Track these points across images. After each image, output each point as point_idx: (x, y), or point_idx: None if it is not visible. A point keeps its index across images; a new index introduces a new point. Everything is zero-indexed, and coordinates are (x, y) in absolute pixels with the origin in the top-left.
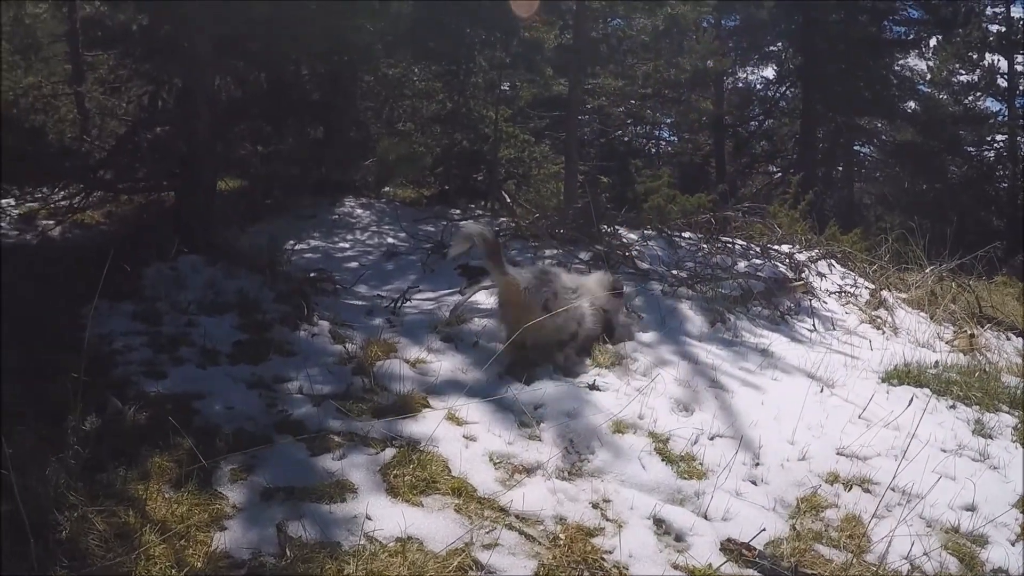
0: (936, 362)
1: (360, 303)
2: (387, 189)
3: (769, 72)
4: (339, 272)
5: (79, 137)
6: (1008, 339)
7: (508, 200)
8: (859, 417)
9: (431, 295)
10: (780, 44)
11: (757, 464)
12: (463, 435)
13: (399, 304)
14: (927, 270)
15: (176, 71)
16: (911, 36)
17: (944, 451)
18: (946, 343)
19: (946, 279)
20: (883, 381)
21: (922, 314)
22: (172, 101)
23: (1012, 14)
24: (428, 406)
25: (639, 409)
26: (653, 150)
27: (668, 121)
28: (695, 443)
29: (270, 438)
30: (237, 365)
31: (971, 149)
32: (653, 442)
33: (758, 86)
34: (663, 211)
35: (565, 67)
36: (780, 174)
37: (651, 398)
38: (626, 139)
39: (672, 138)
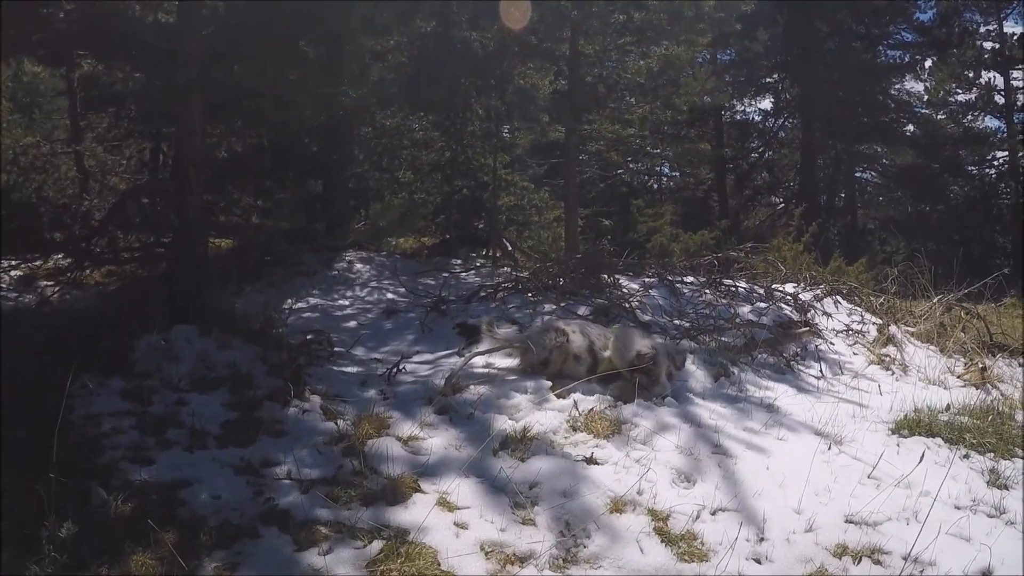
0: (948, 405)
1: (355, 370)
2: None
3: (767, 104)
4: (337, 332)
5: (78, 195)
6: (1021, 366)
7: (509, 247)
8: (869, 477)
9: (429, 357)
10: (776, 75)
11: (762, 539)
12: (454, 522)
13: (393, 373)
14: (934, 299)
15: (168, 135)
16: (906, 59)
17: (958, 508)
18: (957, 377)
19: (954, 308)
20: (893, 432)
21: (932, 347)
22: (164, 168)
23: (1005, 30)
24: (419, 490)
25: (638, 483)
26: (655, 186)
27: (668, 155)
28: (696, 519)
29: (256, 530)
30: (225, 448)
31: (972, 169)
32: (652, 520)
33: (756, 118)
34: (666, 250)
35: (560, 113)
36: (783, 205)
37: (651, 469)
38: (627, 178)
39: (673, 173)
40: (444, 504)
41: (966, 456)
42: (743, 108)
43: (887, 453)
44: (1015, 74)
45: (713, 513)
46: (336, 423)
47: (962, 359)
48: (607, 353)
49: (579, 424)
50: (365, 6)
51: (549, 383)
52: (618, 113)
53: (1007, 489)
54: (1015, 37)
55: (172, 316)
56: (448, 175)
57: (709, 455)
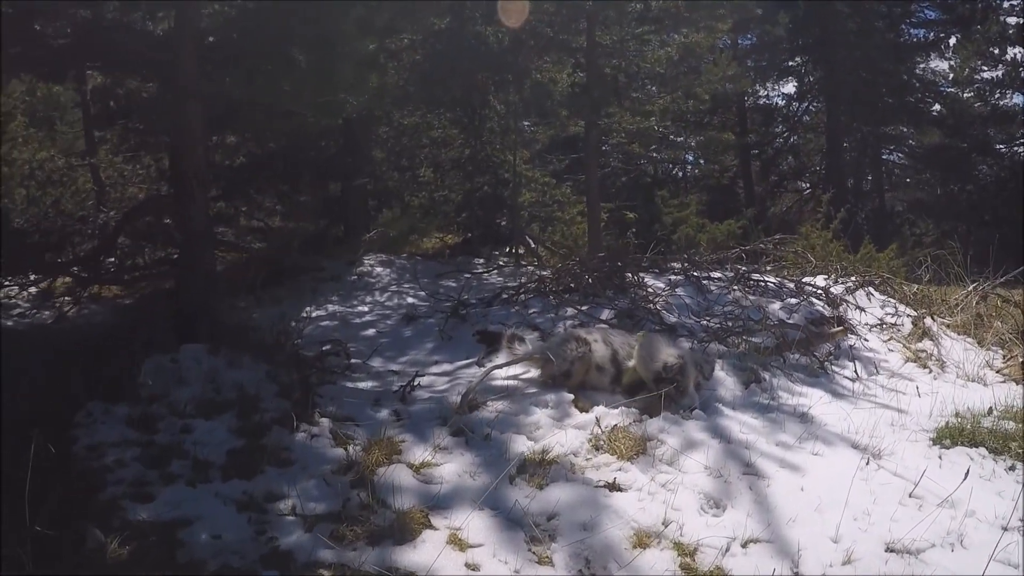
0: (990, 408)
1: (369, 386)
2: (414, 236)
3: (790, 88)
4: (355, 341)
5: (96, 207)
6: None
7: (532, 244)
8: (910, 496)
9: (448, 367)
10: (799, 59)
11: (796, 575)
12: (465, 563)
13: (408, 389)
14: (969, 287)
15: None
16: (930, 37)
17: (1006, 529)
18: (996, 372)
19: (990, 296)
20: (935, 443)
21: (968, 339)
22: (167, 185)
23: None
24: (429, 525)
25: (664, 512)
26: (679, 175)
27: (692, 144)
28: (726, 553)
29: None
30: (229, 481)
31: (1001, 147)
32: (679, 555)
33: (780, 103)
34: (692, 242)
35: (579, 107)
36: (809, 190)
37: (678, 495)
38: (650, 168)
39: (699, 161)
40: (455, 542)
41: (1011, 468)
42: (766, 93)
43: (929, 468)
44: None
45: (744, 545)
46: (346, 449)
47: (1000, 351)
48: (632, 363)
49: (602, 443)
50: (362, 7)
51: (571, 396)
52: (638, 104)
53: None
54: None
55: (181, 334)
56: (468, 172)
57: (740, 476)
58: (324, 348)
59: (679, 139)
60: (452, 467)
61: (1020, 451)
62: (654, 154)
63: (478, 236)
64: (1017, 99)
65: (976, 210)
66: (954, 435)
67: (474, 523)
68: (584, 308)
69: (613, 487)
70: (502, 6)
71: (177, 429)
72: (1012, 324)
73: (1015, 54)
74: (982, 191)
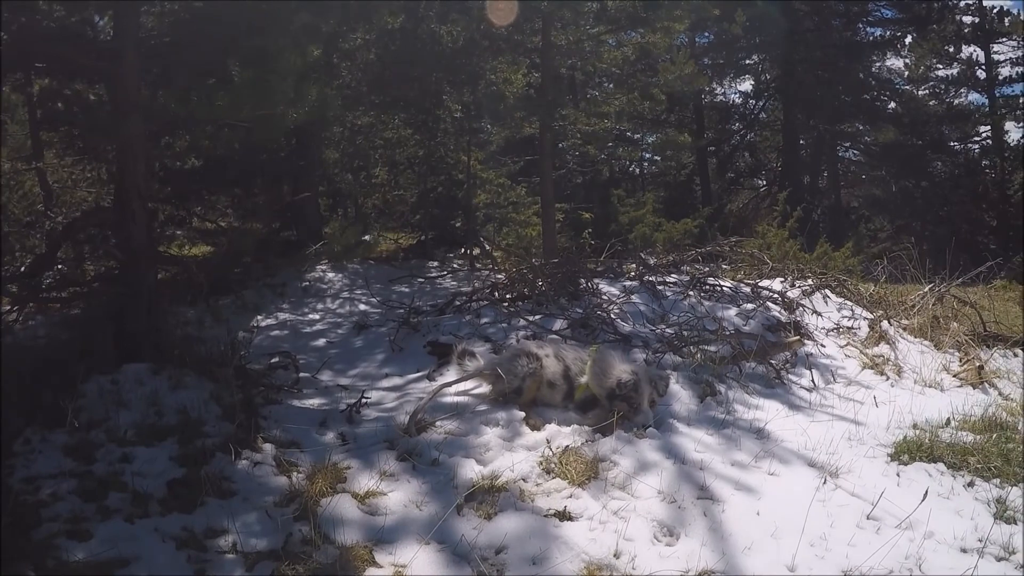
0: (948, 420)
1: (317, 404)
2: (367, 239)
3: (747, 86)
4: (304, 352)
5: (43, 212)
6: (1015, 355)
7: (487, 246)
8: (868, 518)
9: (398, 381)
10: (756, 57)
11: None
12: None
13: (356, 409)
14: (926, 288)
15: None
16: (886, 36)
17: (964, 551)
18: (953, 376)
19: (946, 296)
20: (892, 459)
21: (925, 342)
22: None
23: (984, 3)
24: (373, 562)
25: (615, 542)
26: (636, 171)
27: (649, 141)
28: None
29: None
30: (168, 515)
31: (955, 145)
32: None
33: (737, 100)
34: (648, 241)
35: (533, 108)
36: (765, 187)
37: (630, 523)
38: (606, 168)
39: (655, 158)
40: None
41: (970, 484)
42: (723, 91)
43: (887, 487)
44: (995, 47)
45: None
46: (290, 477)
47: (957, 354)
48: (584, 379)
49: (553, 466)
50: (307, 13)
51: (522, 414)
52: (594, 106)
53: (1015, 523)
54: (994, 10)
55: (123, 351)
56: (422, 173)
57: (694, 501)
58: (273, 361)
59: (636, 136)
60: (398, 496)
61: (978, 466)
62: (606, 155)
63: (432, 238)
64: (972, 97)
65: (930, 206)
66: (912, 450)
67: (420, 559)
68: (536, 319)
69: (564, 516)
70: (490, 6)
71: (116, 458)
72: (968, 326)
73: (970, 53)
74: (936, 188)
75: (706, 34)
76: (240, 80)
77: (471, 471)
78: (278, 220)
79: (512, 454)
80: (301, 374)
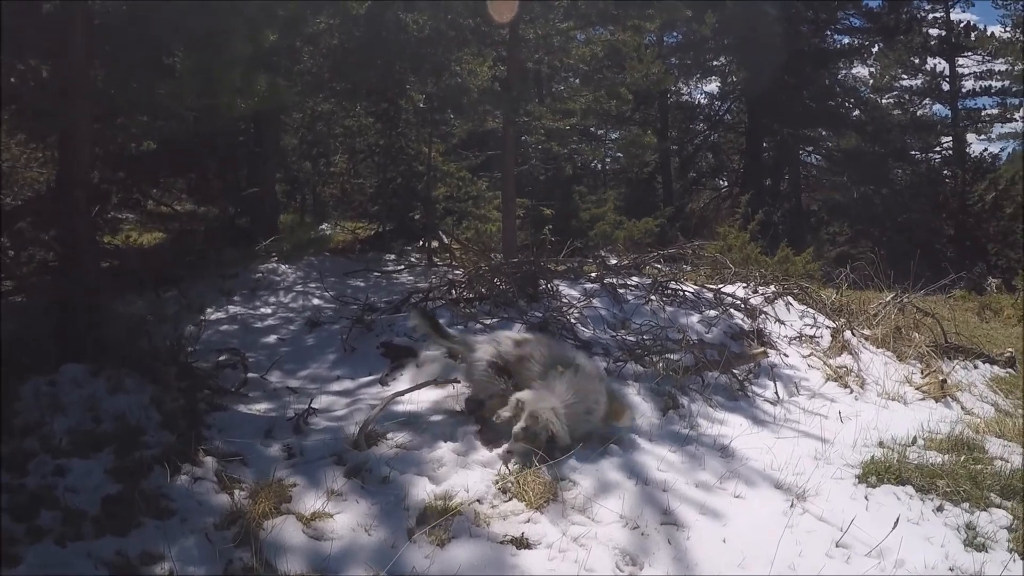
0: (914, 438)
1: (263, 409)
2: (325, 229)
3: (713, 87)
4: (254, 350)
5: None
6: (976, 367)
7: (445, 240)
8: (837, 545)
9: (349, 384)
10: (723, 59)
11: None
12: None
13: (304, 418)
14: (888, 298)
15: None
16: (854, 44)
17: None
18: (916, 388)
19: (908, 307)
20: (860, 480)
21: (887, 352)
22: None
23: (951, 17)
24: None
25: (576, 573)
26: (598, 167)
27: (615, 137)
28: None
29: None
30: (102, 537)
31: (916, 154)
32: None
33: (702, 101)
34: (609, 239)
35: (497, 103)
36: (727, 187)
37: (591, 552)
38: (569, 164)
39: (618, 155)
40: None
41: (940, 509)
42: (688, 91)
43: (856, 513)
44: (961, 61)
45: None
46: (231, 495)
47: (919, 365)
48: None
49: (510, 486)
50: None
51: (477, 427)
52: (559, 103)
53: (986, 551)
54: (961, 24)
55: (63, 350)
56: (382, 163)
57: (658, 527)
58: (220, 359)
59: (600, 132)
60: (346, 518)
61: (947, 489)
62: (573, 149)
63: (391, 230)
64: (935, 108)
65: (890, 213)
66: (880, 472)
67: None
68: (494, 322)
69: (521, 543)
70: (492, 5)
71: (49, 470)
72: (930, 336)
73: (934, 65)
74: (897, 195)
75: (675, 34)
76: (183, 67)
77: (423, 491)
78: (233, 206)
79: (467, 471)
80: (249, 374)
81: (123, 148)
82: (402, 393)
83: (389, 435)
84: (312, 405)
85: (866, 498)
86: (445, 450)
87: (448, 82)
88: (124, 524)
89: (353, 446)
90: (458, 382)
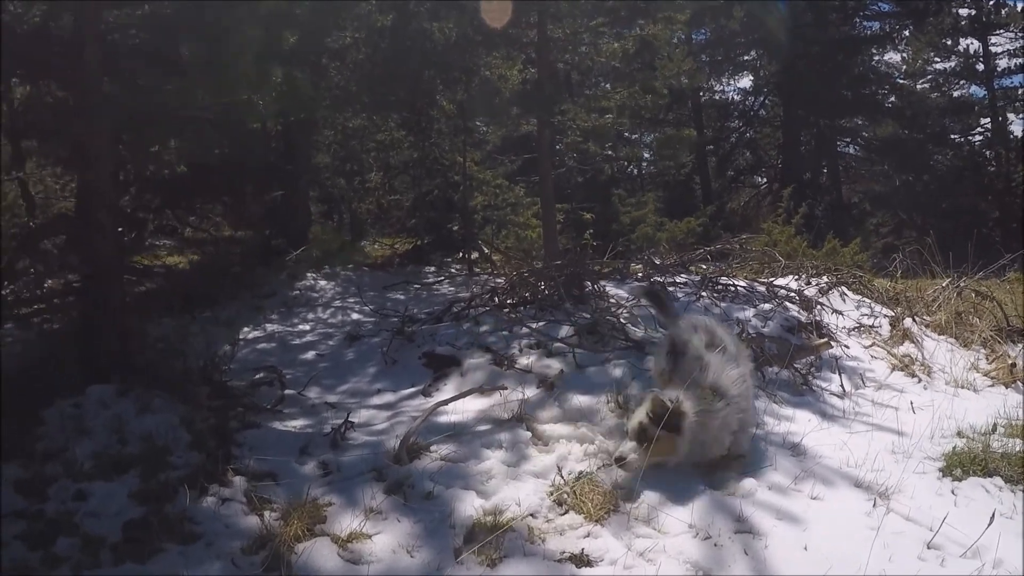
0: (994, 425)
1: (300, 425)
2: (365, 246)
3: (745, 82)
4: (292, 367)
5: (26, 223)
6: None
7: (486, 250)
8: (928, 547)
9: (391, 397)
10: (754, 53)
11: None
12: None
13: (342, 433)
14: (944, 283)
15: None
16: (884, 30)
17: None
18: (984, 375)
19: (965, 291)
20: (944, 474)
21: (950, 339)
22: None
23: None
24: None
25: None
26: (635, 172)
27: (649, 140)
28: None
29: None
30: (121, 565)
31: (956, 138)
32: None
33: (735, 97)
34: (652, 241)
35: (531, 105)
36: (766, 184)
37: (661, 567)
38: (606, 166)
39: (654, 158)
40: None
41: None
42: (721, 88)
43: (946, 510)
44: (993, 39)
45: None
46: (261, 517)
47: (983, 350)
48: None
49: (566, 496)
50: None
51: (528, 434)
52: (593, 101)
53: None
54: (991, 2)
55: (88, 372)
56: (417, 176)
57: (732, 536)
58: (257, 377)
59: (635, 136)
60: (386, 539)
61: None
62: (609, 152)
63: (429, 243)
64: (973, 90)
65: (933, 200)
66: (964, 464)
67: None
68: (540, 325)
69: (581, 561)
70: (484, 7)
71: (70, 495)
72: (991, 321)
73: (967, 45)
74: (939, 181)
75: (703, 31)
76: (191, 58)
77: (471, 506)
78: (268, 227)
79: (518, 483)
80: (286, 391)
81: (156, 174)
82: (446, 402)
83: (433, 448)
84: (350, 419)
85: (953, 492)
86: (494, 461)
87: (478, 87)
88: (145, 550)
89: (394, 460)
90: (505, 388)
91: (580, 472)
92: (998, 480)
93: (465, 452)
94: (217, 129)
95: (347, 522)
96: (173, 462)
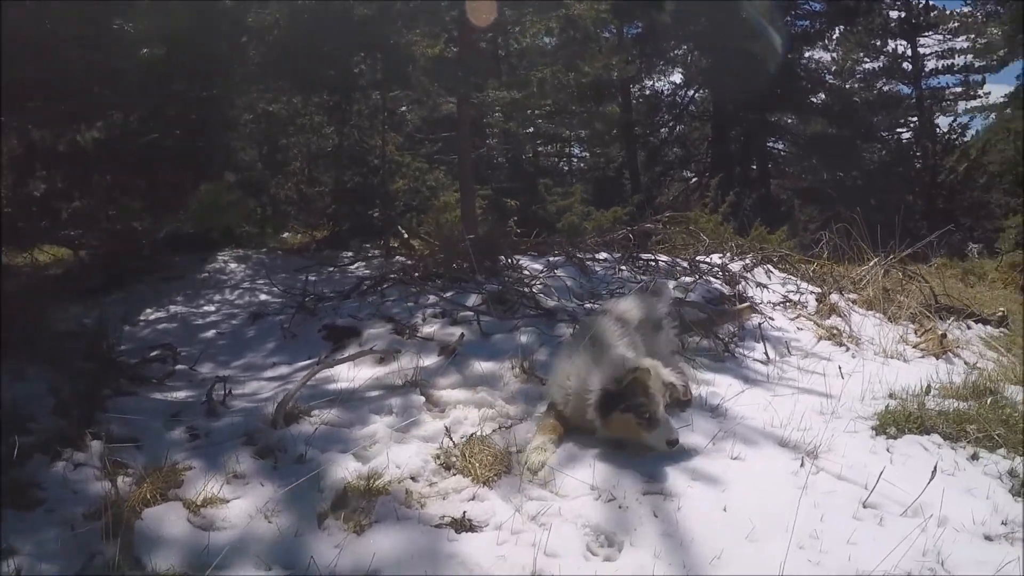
0: (928, 387)
1: (183, 396)
2: (285, 236)
3: (676, 77)
4: (190, 345)
5: None
6: (969, 328)
7: (405, 236)
8: (864, 506)
9: (285, 370)
10: (685, 47)
11: None
12: None
13: (222, 398)
14: (872, 262)
15: None
16: (815, 29)
17: (988, 538)
18: (914, 347)
19: (892, 271)
20: (879, 432)
21: (877, 315)
22: None
23: None
24: None
25: (533, 559)
26: (565, 168)
27: (579, 135)
28: None
29: None
30: None
31: (885, 134)
32: None
33: (666, 92)
34: (577, 230)
35: (450, 80)
36: (695, 179)
37: (554, 532)
38: (532, 156)
39: (583, 154)
40: None
41: (974, 457)
42: (652, 83)
43: (879, 466)
44: (922, 41)
45: None
46: (114, 482)
47: (911, 325)
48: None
49: (454, 460)
50: None
51: (423, 399)
52: (515, 79)
53: None
54: (920, 5)
55: None
56: (338, 161)
57: (639, 497)
58: (152, 354)
59: (565, 133)
60: (244, 504)
61: (979, 436)
62: (540, 145)
63: (348, 229)
64: (901, 88)
65: (862, 195)
66: (899, 422)
67: None
68: (449, 295)
69: (462, 525)
70: (470, 6)
71: None
72: (920, 299)
73: (896, 46)
74: (868, 176)
75: (636, 25)
76: None
77: (346, 469)
78: (177, 211)
79: (402, 447)
80: (178, 367)
81: (54, 147)
82: (332, 364)
83: (315, 413)
84: (231, 387)
85: (888, 451)
86: (380, 425)
87: (390, 58)
88: None
89: (271, 425)
90: (399, 351)
91: (472, 434)
92: (936, 438)
93: (350, 417)
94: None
95: (205, 487)
96: (31, 427)
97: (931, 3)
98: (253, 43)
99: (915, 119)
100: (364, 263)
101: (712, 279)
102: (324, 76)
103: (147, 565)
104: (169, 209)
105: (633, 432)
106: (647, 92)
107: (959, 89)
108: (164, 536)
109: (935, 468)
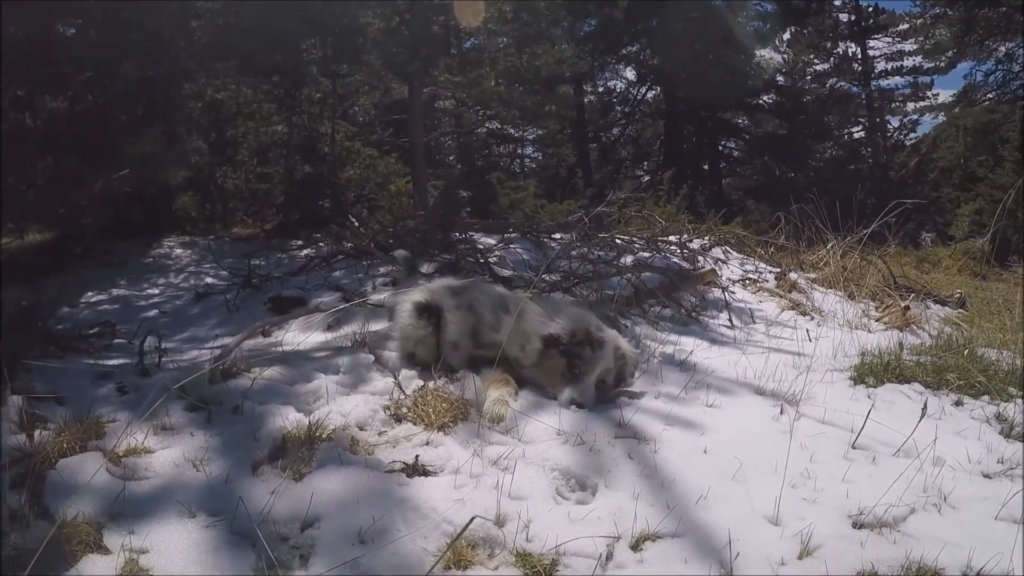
0: (900, 344)
1: (113, 364)
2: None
3: (629, 74)
4: (131, 323)
5: None
6: (928, 307)
7: (356, 224)
8: (854, 447)
9: (228, 341)
10: (637, 45)
11: None
12: None
13: (157, 359)
14: (830, 244)
15: None
16: (765, 29)
17: (986, 476)
18: (876, 320)
19: (851, 253)
20: (857, 382)
21: (838, 293)
22: None
23: (860, 2)
24: (100, 547)
25: (496, 502)
26: (517, 169)
27: (531, 136)
28: (608, 560)
29: None
30: None
31: (837, 132)
32: (526, 574)
33: (618, 89)
34: (531, 220)
35: (400, 56)
36: (648, 177)
37: (519, 474)
38: (485, 152)
39: (536, 154)
40: (133, 574)
41: (959, 403)
42: (604, 81)
43: (862, 411)
44: (871, 44)
45: (637, 545)
46: (31, 436)
47: (872, 303)
48: (499, 335)
49: (405, 411)
50: None
51: (372, 358)
52: (466, 58)
53: None
54: (869, 8)
55: None
56: (287, 150)
57: (611, 441)
58: (91, 332)
59: (517, 134)
60: (171, 454)
61: (960, 383)
62: (493, 144)
63: (298, 219)
64: (852, 89)
65: (813, 191)
66: (877, 372)
67: (174, 540)
68: (395, 268)
69: (415, 470)
70: (458, 6)
71: None
72: (878, 279)
73: (846, 48)
74: (819, 173)
75: (590, 23)
76: None
77: (285, 420)
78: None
79: (349, 399)
80: (116, 340)
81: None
82: (277, 323)
83: (256, 370)
84: (169, 356)
85: (870, 398)
86: (326, 381)
87: (337, 34)
88: None
89: (207, 381)
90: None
91: (423, 385)
92: (916, 386)
93: (293, 375)
94: None
95: (129, 437)
96: None
97: (880, 6)
98: (200, 24)
99: (864, 119)
100: (314, 250)
101: (671, 256)
102: (271, 62)
103: (57, 513)
104: (104, 158)
105: (555, 378)
106: (600, 89)
107: (908, 91)
108: (78, 485)
109: (925, 406)
